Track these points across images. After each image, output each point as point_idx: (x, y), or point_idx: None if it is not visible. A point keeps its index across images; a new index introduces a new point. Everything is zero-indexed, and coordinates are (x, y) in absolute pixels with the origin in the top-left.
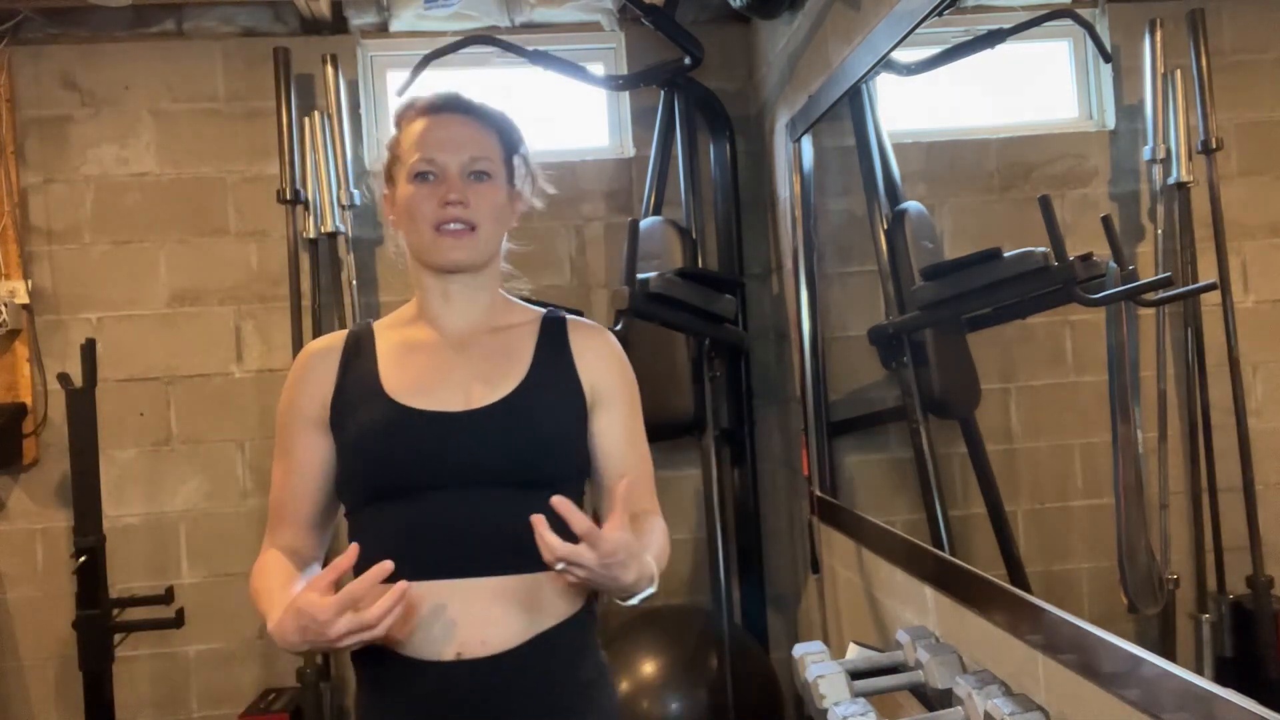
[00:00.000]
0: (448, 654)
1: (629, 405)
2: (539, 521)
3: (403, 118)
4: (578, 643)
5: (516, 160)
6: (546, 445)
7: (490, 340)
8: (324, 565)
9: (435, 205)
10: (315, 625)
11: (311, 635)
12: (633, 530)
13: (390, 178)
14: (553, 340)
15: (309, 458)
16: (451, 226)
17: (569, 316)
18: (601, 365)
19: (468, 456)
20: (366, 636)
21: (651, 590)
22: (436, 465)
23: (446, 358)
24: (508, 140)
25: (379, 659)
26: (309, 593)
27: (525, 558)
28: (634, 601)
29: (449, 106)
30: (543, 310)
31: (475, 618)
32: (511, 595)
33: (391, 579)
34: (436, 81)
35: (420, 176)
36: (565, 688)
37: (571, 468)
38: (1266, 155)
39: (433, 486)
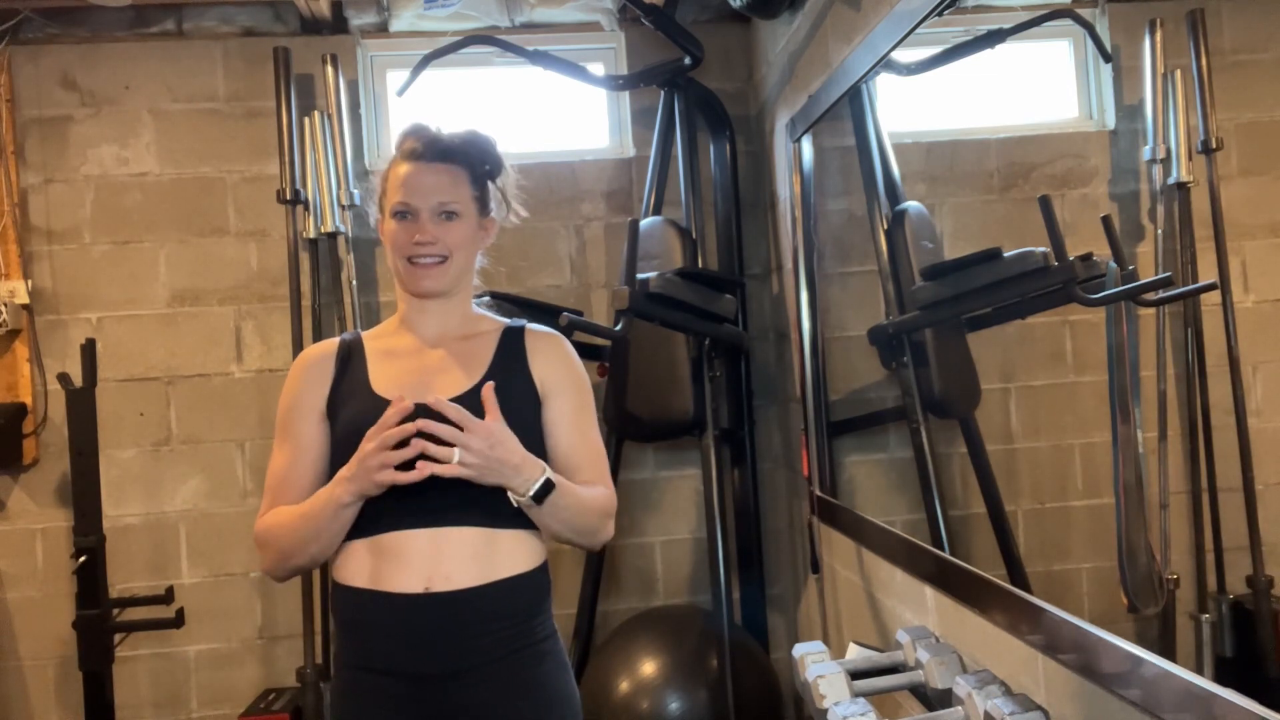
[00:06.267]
0: (418, 588)
1: (576, 397)
2: (428, 421)
3: (395, 153)
4: (532, 596)
5: (490, 188)
6: None
7: (458, 346)
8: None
9: (408, 241)
10: (359, 456)
11: (356, 467)
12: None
13: (381, 207)
14: (511, 345)
15: (310, 442)
16: (423, 260)
17: (528, 325)
18: (551, 365)
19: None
20: (391, 448)
21: (547, 477)
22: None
23: (421, 361)
24: (479, 175)
25: (358, 599)
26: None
27: (486, 514)
28: (534, 489)
29: (427, 154)
30: (507, 321)
31: (443, 559)
32: (474, 544)
33: (373, 532)
34: (436, 81)
35: (399, 215)
36: (519, 632)
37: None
38: (1266, 155)
39: (404, 464)
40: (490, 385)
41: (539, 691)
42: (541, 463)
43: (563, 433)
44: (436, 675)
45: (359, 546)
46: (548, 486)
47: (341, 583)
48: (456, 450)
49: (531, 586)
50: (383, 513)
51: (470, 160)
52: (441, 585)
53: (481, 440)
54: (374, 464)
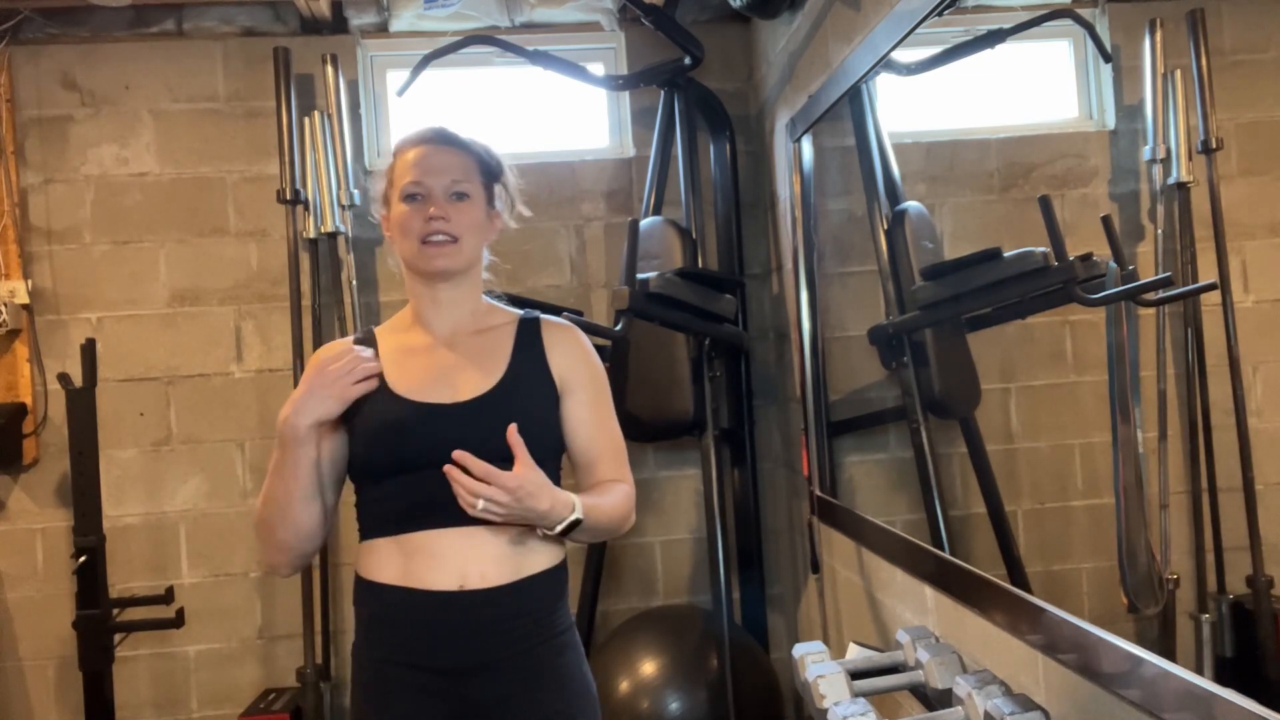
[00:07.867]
0: (452, 585)
1: (594, 390)
2: (452, 471)
3: (397, 151)
4: (555, 590)
5: (497, 188)
6: (522, 431)
7: (474, 341)
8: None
9: (422, 221)
10: (318, 367)
11: (314, 381)
12: (593, 492)
13: (387, 201)
14: (528, 339)
15: (324, 441)
16: (436, 239)
17: (542, 317)
18: (569, 358)
19: (457, 441)
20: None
21: (575, 517)
22: (431, 447)
23: (438, 358)
24: (487, 169)
25: (387, 595)
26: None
27: None
28: (561, 529)
29: (437, 139)
30: (520, 312)
31: (476, 557)
32: (504, 541)
33: (403, 530)
34: (436, 81)
35: (410, 197)
36: (542, 625)
37: (545, 448)
38: (1266, 155)
39: (430, 464)
40: (514, 427)
41: (561, 682)
42: (572, 499)
43: (582, 426)
44: (462, 669)
45: (388, 544)
46: (575, 524)
47: (368, 579)
48: (480, 500)
49: (556, 580)
50: (413, 512)
51: (478, 153)
52: (477, 583)
53: (507, 495)
54: (342, 384)
